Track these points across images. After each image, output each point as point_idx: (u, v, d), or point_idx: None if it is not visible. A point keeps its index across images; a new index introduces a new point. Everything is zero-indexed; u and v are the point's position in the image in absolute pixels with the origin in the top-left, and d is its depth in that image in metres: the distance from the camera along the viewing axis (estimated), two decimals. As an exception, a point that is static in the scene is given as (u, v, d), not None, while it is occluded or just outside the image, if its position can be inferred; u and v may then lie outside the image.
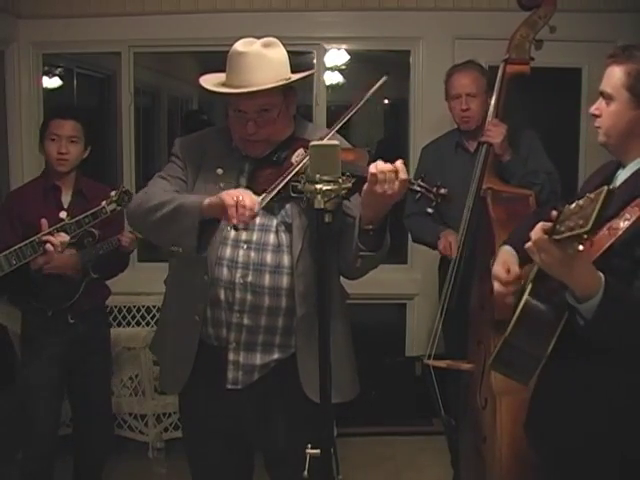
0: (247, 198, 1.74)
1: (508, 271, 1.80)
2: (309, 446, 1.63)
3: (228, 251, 1.93)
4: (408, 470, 3.46)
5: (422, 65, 4.05)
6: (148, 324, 4.06)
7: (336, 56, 4.20)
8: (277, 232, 1.94)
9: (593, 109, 1.78)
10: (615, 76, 1.70)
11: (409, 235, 3.83)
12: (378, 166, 1.68)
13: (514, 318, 1.65)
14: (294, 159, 1.92)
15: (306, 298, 1.91)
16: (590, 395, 1.71)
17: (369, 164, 1.72)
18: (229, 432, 2.03)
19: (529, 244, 1.54)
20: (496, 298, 1.82)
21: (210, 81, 1.98)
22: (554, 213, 1.46)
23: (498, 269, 1.81)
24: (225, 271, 1.92)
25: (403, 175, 1.68)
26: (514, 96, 2.90)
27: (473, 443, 2.60)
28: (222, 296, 1.93)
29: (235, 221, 1.74)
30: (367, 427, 3.74)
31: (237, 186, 1.94)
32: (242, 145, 1.98)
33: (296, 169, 1.83)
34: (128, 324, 4.05)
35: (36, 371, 2.70)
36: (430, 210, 1.92)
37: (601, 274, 1.52)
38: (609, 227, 1.59)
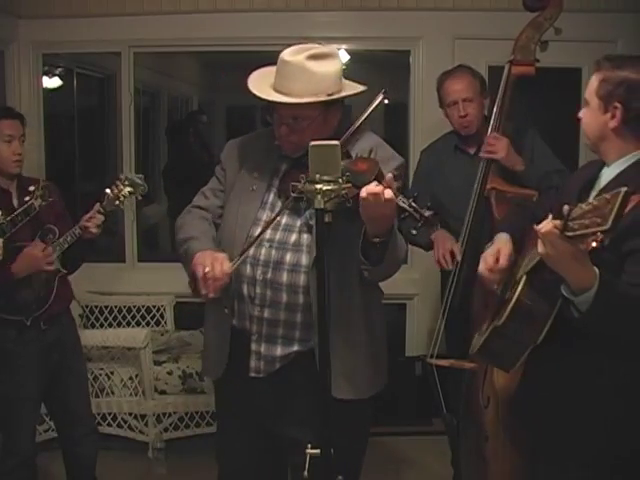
0: (218, 268, 1.88)
1: (497, 260, 1.93)
2: (309, 446, 1.63)
3: (252, 249, 2.01)
4: (408, 470, 3.46)
5: (422, 65, 4.04)
6: (148, 324, 4.07)
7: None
8: (299, 232, 2.01)
9: (579, 114, 1.91)
10: (592, 83, 1.85)
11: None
12: (367, 189, 1.70)
13: (508, 309, 1.73)
14: None
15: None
16: (575, 379, 1.80)
17: (379, 174, 1.74)
18: (252, 418, 2.11)
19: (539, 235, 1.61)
20: (480, 278, 1.98)
21: (262, 75, 2.06)
22: (566, 208, 1.51)
23: (489, 255, 1.96)
24: (248, 268, 2.02)
25: (387, 196, 1.70)
26: (515, 97, 2.90)
27: (475, 442, 2.60)
28: (245, 291, 2.03)
29: (203, 293, 1.89)
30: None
31: (269, 186, 2.06)
32: (279, 142, 2.06)
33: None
34: (128, 324, 4.05)
35: (15, 384, 2.65)
36: (414, 232, 1.88)
37: (596, 268, 1.60)
38: None
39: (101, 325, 4.07)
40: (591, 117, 1.85)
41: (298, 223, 2.01)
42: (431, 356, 2.83)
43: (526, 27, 2.82)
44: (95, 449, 2.91)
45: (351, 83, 2.05)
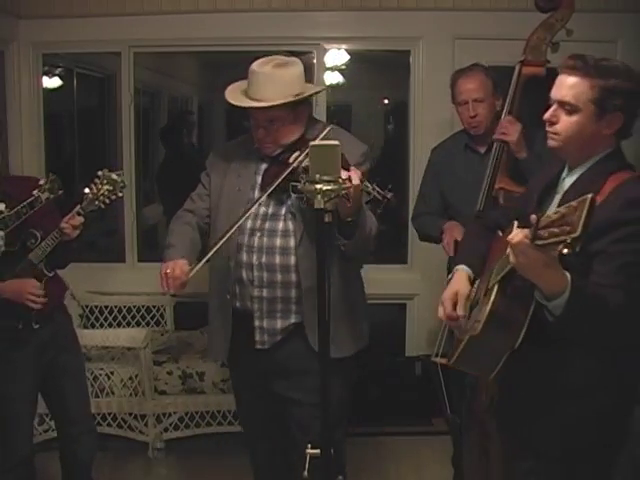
0: (178, 270, 2.23)
1: (455, 305, 1.97)
2: (309, 446, 1.64)
3: (246, 238, 2.34)
4: (408, 470, 3.46)
5: (422, 65, 4.04)
6: (148, 324, 4.07)
7: (336, 56, 4.19)
8: (285, 220, 2.32)
9: (549, 116, 1.85)
10: (578, 88, 1.78)
11: (409, 235, 3.84)
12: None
13: (483, 319, 1.75)
14: (291, 160, 2.26)
15: (308, 274, 2.23)
16: (550, 379, 1.83)
17: (344, 162, 1.93)
18: (263, 386, 2.46)
19: (509, 248, 1.63)
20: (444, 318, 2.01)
21: (236, 88, 2.39)
22: (533, 218, 1.54)
23: (447, 299, 2.00)
24: (245, 255, 2.34)
25: (355, 182, 1.98)
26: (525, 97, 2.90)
27: (478, 441, 2.61)
28: (244, 275, 2.34)
29: (165, 288, 2.25)
30: (367, 427, 3.74)
31: (254, 185, 2.37)
32: (258, 145, 2.37)
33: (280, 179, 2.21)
34: (128, 324, 4.05)
35: (10, 384, 2.64)
36: (379, 211, 2.13)
37: (567, 273, 1.64)
38: None
39: (101, 325, 4.07)
40: (582, 123, 1.80)
41: (282, 211, 2.32)
42: (436, 355, 2.83)
43: (537, 28, 2.80)
44: (93, 448, 2.90)
45: (311, 85, 2.45)
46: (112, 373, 3.55)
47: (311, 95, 2.37)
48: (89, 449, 2.89)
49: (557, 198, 1.89)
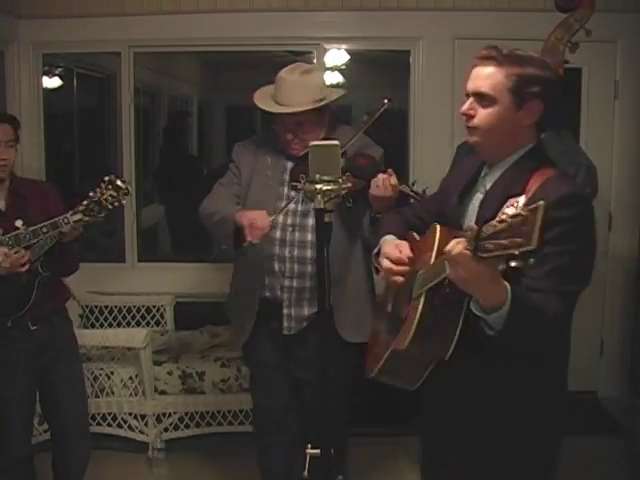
0: (259, 220, 2.33)
1: (400, 252, 1.87)
2: (309, 446, 1.63)
3: (279, 233, 2.52)
4: (408, 470, 3.46)
5: (422, 65, 4.04)
6: (148, 324, 4.07)
7: (336, 56, 4.19)
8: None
9: (466, 109, 1.78)
10: (494, 78, 1.72)
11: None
12: (381, 178, 2.29)
13: (411, 332, 1.67)
14: None
15: (336, 265, 2.26)
16: (471, 389, 1.76)
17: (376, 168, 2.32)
18: (282, 367, 2.65)
19: (447, 260, 1.54)
20: (385, 274, 1.91)
21: (264, 92, 2.58)
22: (472, 227, 1.46)
23: (391, 248, 1.89)
24: (277, 248, 2.52)
25: (393, 182, 2.28)
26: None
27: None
28: (276, 267, 2.54)
29: (250, 239, 2.32)
30: (367, 427, 3.73)
31: (282, 182, 2.56)
32: (285, 147, 2.55)
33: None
34: (128, 324, 4.05)
35: (3, 383, 2.62)
36: None
37: (507, 283, 1.54)
38: None
39: (101, 325, 4.06)
40: (500, 114, 1.72)
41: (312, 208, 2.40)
42: None
43: (556, 28, 2.77)
44: (86, 458, 2.87)
45: (333, 89, 2.67)
46: (112, 373, 3.54)
47: (335, 100, 2.54)
48: (82, 458, 2.86)
49: (478, 197, 1.82)
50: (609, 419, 4.02)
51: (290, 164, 2.56)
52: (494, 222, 1.39)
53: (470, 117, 1.78)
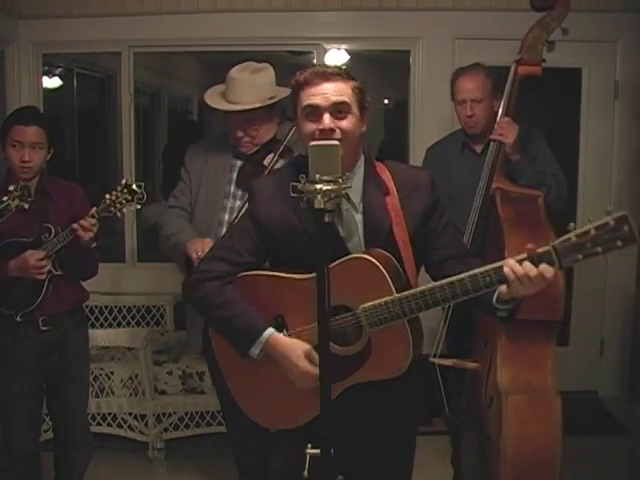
0: (207, 248, 2.25)
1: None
2: (309, 446, 1.63)
3: (224, 230, 2.44)
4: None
5: (422, 65, 4.05)
6: (148, 324, 4.07)
7: (336, 56, 4.19)
8: None
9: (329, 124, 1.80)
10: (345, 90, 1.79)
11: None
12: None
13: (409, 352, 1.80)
14: (265, 162, 2.56)
15: None
16: (364, 399, 1.87)
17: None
18: None
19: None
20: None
21: (215, 91, 2.65)
22: (530, 247, 1.61)
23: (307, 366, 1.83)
24: None
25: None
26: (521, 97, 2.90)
27: (476, 441, 2.61)
28: None
29: None
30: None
31: (230, 180, 2.59)
32: (236, 144, 2.59)
33: None
34: (128, 324, 4.05)
35: (9, 380, 2.64)
36: None
37: None
38: None
39: (101, 325, 4.07)
40: (354, 123, 1.80)
41: None
42: (434, 356, 2.83)
43: (533, 27, 2.79)
44: (87, 459, 2.88)
45: (282, 88, 2.58)
46: (112, 373, 3.54)
47: (284, 98, 2.54)
48: (84, 459, 2.88)
49: (356, 217, 1.84)
50: (609, 419, 4.03)
51: (239, 162, 2.61)
52: (579, 232, 1.53)
53: (332, 130, 1.79)
